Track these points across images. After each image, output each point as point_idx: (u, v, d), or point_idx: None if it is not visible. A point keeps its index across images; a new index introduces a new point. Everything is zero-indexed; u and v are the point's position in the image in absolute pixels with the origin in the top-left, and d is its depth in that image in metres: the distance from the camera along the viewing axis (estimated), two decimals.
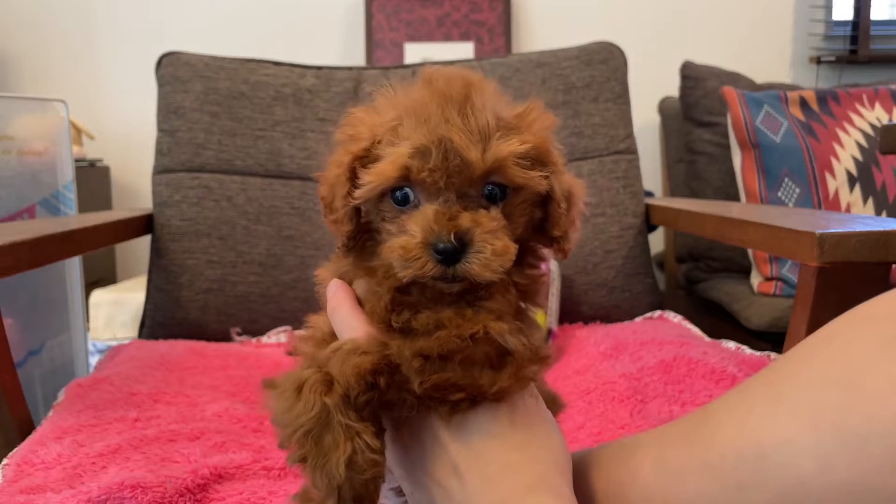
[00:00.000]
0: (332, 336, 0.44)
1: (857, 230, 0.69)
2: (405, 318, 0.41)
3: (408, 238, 0.40)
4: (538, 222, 0.45)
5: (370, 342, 0.40)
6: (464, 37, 1.98)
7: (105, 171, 1.98)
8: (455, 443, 0.40)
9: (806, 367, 0.36)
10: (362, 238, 0.46)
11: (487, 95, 0.42)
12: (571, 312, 1.18)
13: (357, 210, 0.44)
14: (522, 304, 0.45)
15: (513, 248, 0.40)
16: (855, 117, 1.53)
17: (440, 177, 0.40)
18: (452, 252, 0.39)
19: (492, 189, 0.41)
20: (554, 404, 0.51)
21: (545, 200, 0.45)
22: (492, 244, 0.39)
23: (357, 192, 0.42)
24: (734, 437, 0.37)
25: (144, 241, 1.22)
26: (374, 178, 0.41)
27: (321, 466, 0.37)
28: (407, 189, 0.42)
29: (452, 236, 0.39)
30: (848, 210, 1.46)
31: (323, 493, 0.38)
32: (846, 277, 0.73)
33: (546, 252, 0.47)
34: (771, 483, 0.34)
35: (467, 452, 0.39)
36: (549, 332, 1.05)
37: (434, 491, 0.40)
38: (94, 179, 1.90)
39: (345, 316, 0.42)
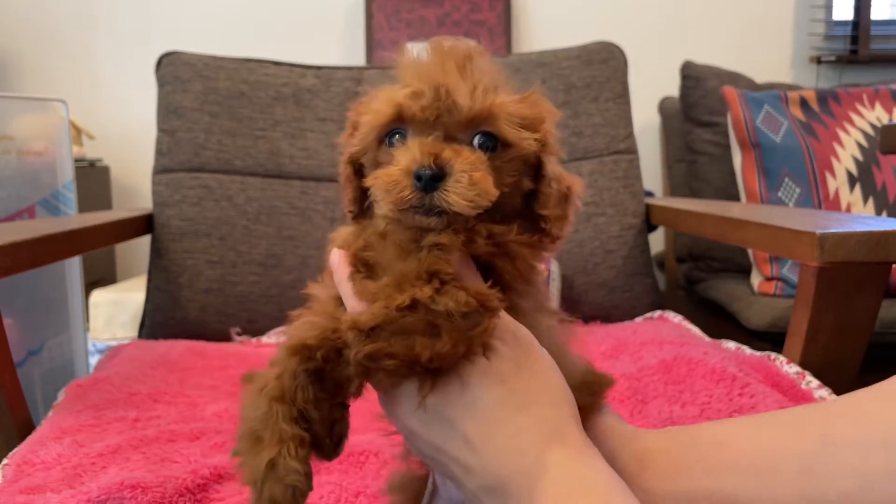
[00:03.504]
0: (335, 303, 0.45)
1: (858, 230, 0.69)
2: (357, 286, 0.42)
3: (392, 168, 0.41)
4: (527, 198, 0.45)
5: (325, 317, 0.41)
6: (464, 37, 1.98)
7: (105, 171, 1.98)
8: (463, 419, 0.40)
9: None
10: (368, 204, 0.47)
11: (488, 67, 0.44)
12: (571, 312, 1.18)
13: (359, 174, 0.46)
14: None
15: (492, 187, 0.41)
16: (855, 117, 1.53)
17: (431, 114, 0.41)
18: (431, 178, 0.39)
19: (482, 140, 0.42)
20: (597, 385, 0.49)
21: (536, 174, 0.45)
22: (470, 174, 0.40)
23: (355, 140, 0.45)
24: None
25: (144, 241, 1.22)
26: (369, 118, 0.43)
27: (249, 463, 0.39)
28: (401, 131, 0.43)
29: (432, 161, 0.39)
30: (848, 210, 1.46)
31: (248, 489, 0.40)
32: (846, 277, 0.73)
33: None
34: None
35: (476, 424, 0.39)
36: None
37: (451, 467, 0.41)
38: (94, 179, 1.90)
39: (345, 289, 0.43)
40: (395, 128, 0.43)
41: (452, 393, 0.40)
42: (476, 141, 0.42)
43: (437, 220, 0.40)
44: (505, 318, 0.42)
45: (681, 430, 0.48)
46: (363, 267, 0.43)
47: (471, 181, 0.40)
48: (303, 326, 0.41)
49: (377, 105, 0.43)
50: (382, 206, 0.42)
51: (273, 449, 0.38)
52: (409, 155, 0.40)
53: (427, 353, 0.38)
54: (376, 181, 0.41)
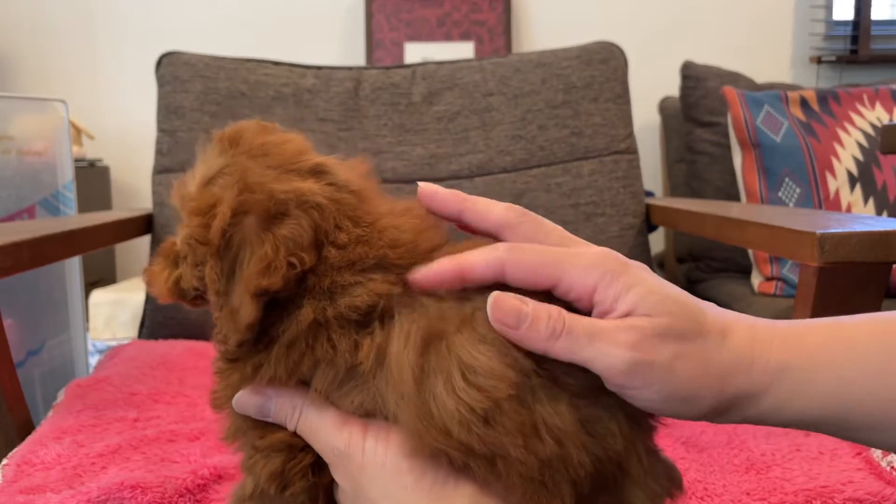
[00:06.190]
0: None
1: (858, 230, 0.69)
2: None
3: None
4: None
5: None
6: (464, 37, 1.98)
7: (105, 171, 1.98)
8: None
9: None
10: None
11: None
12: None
13: None
14: None
15: (162, 282, 0.45)
16: (855, 117, 1.53)
17: None
18: None
19: None
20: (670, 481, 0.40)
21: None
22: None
23: None
24: None
25: (144, 241, 1.22)
26: None
27: None
28: None
29: None
30: (848, 210, 1.46)
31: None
32: (846, 277, 0.73)
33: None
34: None
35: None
36: None
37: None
38: (94, 179, 1.90)
39: None
40: None
41: None
42: None
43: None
44: (330, 447, 0.40)
45: None
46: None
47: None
48: None
49: None
50: None
51: None
52: None
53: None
54: None
